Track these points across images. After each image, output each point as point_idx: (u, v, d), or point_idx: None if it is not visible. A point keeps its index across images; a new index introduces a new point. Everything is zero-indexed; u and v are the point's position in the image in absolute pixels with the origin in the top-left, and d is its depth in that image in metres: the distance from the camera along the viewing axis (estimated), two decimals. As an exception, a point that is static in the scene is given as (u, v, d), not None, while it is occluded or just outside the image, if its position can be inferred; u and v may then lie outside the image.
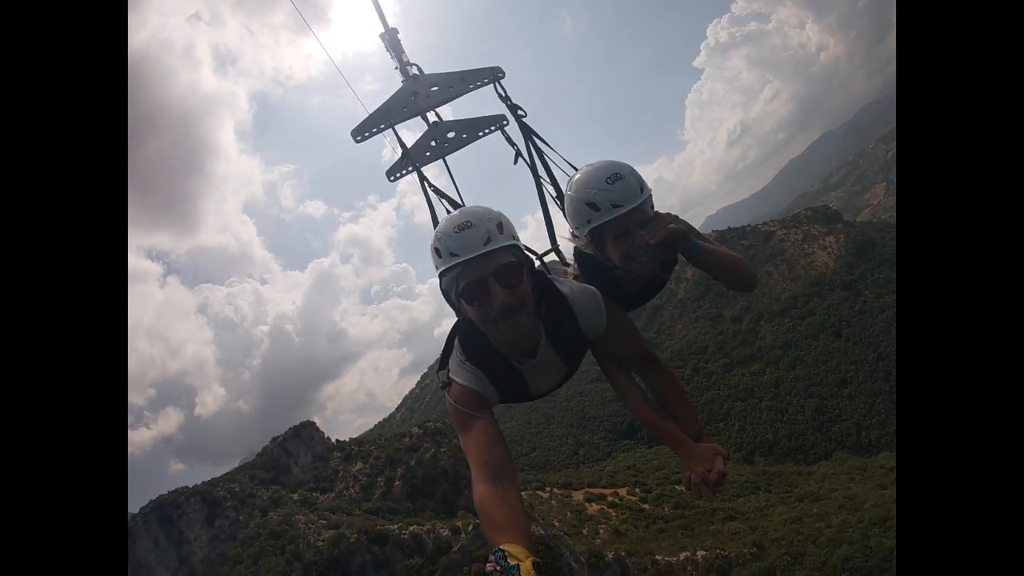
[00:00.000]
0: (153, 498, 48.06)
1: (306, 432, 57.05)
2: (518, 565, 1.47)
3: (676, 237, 2.31)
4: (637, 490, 58.25)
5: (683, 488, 2.23)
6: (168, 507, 46.12)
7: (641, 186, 2.31)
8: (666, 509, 51.60)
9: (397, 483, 48.04)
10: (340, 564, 35.06)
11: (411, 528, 35.62)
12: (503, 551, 1.51)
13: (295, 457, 54.47)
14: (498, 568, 1.47)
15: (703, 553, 37.15)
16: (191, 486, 49.19)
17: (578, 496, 56.94)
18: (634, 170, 2.34)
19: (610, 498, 55.61)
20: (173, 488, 49.03)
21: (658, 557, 37.50)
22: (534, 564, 1.49)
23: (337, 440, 58.35)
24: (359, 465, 51.67)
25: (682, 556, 37.39)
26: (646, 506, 54.88)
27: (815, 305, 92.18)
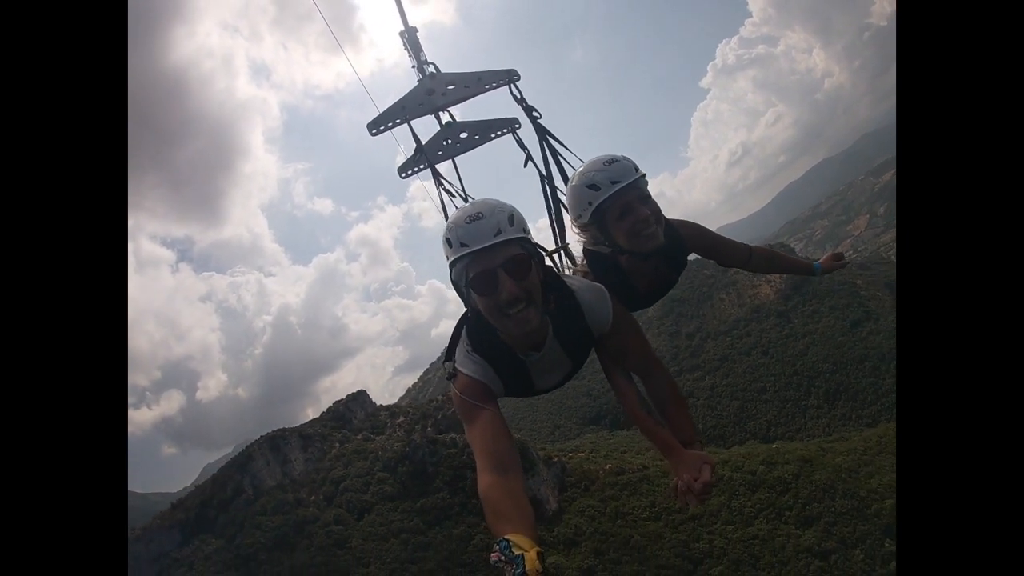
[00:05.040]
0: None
1: (361, 397, 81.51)
2: (523, 555, 1.44)
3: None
4: (592, 455, 79.33)
5: (670, 494, 2.15)
6: (276, 439, 69.36)
7: (635, 167, 2.43)
8: (607, 465, 72.01)
9: (429, 429, 71.50)
10: (409, 456, 60.66)
11: (451, 435, 61.36)
12: (508, 541, 1.49)
13: (354, 413, 78.11)
14: (503, 558, 1.44)
15: (609, 465, 63.21)
16: (289, 427, 72.90)
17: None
18: (628, 157, 2.45)
19: (570, 455, 78.27)
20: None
21: (585, 466, 63.68)
22: (539, 554, 1.45)
23: (382, 404, 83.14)
24: (400, 419, 75.56)
25: (596, 467, 63.41)
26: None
27: (752, 328, 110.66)
